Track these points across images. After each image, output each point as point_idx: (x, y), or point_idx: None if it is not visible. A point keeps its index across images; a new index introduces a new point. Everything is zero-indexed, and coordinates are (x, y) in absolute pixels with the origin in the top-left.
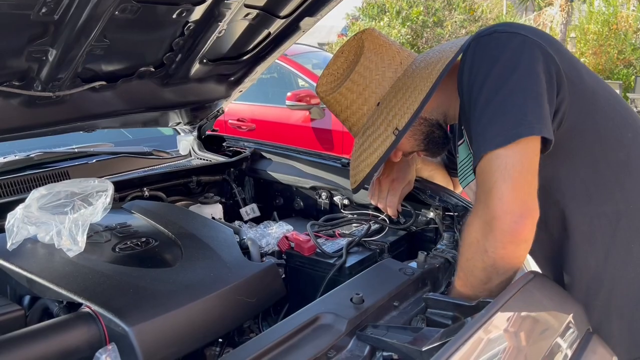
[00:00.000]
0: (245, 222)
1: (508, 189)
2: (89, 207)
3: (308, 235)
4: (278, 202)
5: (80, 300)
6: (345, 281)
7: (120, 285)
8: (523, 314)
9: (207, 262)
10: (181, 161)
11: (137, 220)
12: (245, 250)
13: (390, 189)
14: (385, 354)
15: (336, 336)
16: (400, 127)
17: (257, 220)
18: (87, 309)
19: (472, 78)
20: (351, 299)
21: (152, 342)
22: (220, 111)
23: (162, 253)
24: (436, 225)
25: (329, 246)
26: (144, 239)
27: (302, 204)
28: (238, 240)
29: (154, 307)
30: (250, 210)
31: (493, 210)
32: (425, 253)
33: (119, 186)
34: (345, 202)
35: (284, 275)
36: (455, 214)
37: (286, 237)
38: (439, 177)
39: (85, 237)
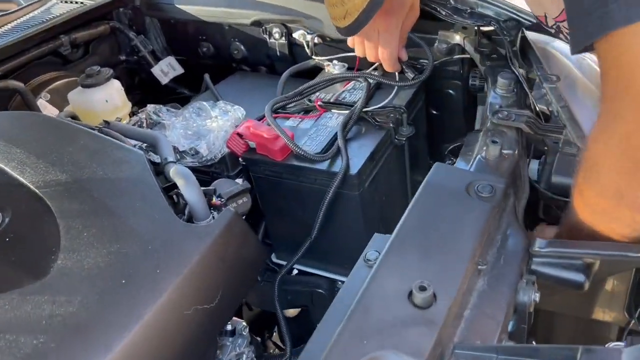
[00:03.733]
0: (169, 98)
1: None
2: None
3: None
4: (206, 51)
5: None
6: (353, 194)
7: None
8: None
9: (111, 250)
10: (38, 11)
11: None
12: (171, 187)
13: (381, 30)
14: None
15: None
16: None
17: (183, 81)
18: None
19: None
20: (410, 296)
21: None
22: None
23: (19, 246)
24: (465, 55)
25: (313, 134)
26: None
27: (244, 50)
28: (159, 162)
29: None
30: (167, 68)
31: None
32: (497, 142)
33: None
34: (317, 40)
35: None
36: (503, 32)
37: (239, 134)
38: None
39: None
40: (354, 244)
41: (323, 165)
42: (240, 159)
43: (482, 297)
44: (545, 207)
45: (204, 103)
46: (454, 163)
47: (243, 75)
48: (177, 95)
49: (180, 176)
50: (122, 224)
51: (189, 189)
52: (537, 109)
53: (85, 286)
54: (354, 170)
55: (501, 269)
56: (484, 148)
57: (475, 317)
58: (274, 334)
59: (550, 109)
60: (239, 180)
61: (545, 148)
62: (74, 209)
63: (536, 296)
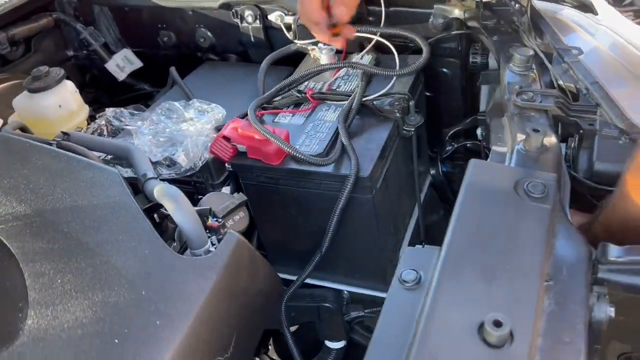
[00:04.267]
0: (128, 96)
1: None
2: None
3: (258, 120)
4: (167, 40)
5: None
6: (366, 197)
7: None
8: None
9: (94, 300)
10: None
11: None
12: (152, 208)
13: None
14: None
15: None
16: None
17: (142, 75)
18: None
19: None
20: (480, 332)
21: None
22: None
23: None
24: (465, 31)
25: (310, 131)
26: None
27: (211, 37)
28: (134, 177)
29: None
30: (123, 62)
31: None
32: (539, 131)
33: None
34: (300, 21)
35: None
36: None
37: (225, 138)
38: None
39: None
40: (365, 251)
41: (329, 168)
42: (227, 165)
43: (552, 320)
44: (574, 195)
45: (175, 103)
46: (454, 148)
47: (213, 66)
48: (137, 92)
49: (169, 198)
50: (105, 264)
51: (182, 214)
52: (563, 86)
53: (68, 352)
54: (366, 171)
55: (566, 283)
56: (522, 138)
57: (551, 347)
58: (270, 347)
59: (577, 87)
60: (226, 189)
61: (581, 131)
62: (41, 249)
63: (611, 311)
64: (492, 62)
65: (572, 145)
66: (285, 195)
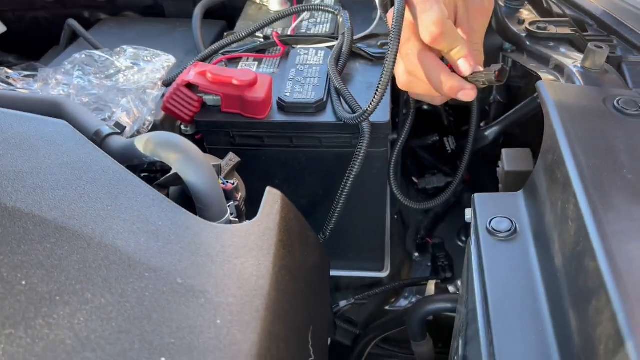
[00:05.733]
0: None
1: None
2: None
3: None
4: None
5: None
6: (381, 152)
7: None
8: None
9: (102, 300)
10: None
11: None
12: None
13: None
14: None
15: None
16: None
17: (5, 44)
18: None
19: None
20: None
21: None
22: None
23: None
24: None
25: (296, 77)
26: None
27: None
28: (96, 138)
29: None
30: None
31: None
32: (602, 47)
33: None
34: None
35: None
36: None
37: (189, 85)
38: None
39: None
40: (369, 222)
41: (331, 117)
42: (184, 127)
43: None
44: None
45: (96, 52)
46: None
47: (117, 22)
48: None
49: (174, 148)
50: (99, 247)
51: (196, 169)
52: (568, 18)
53: None
54: (384, 115)
55: None
56: (574, 59)
57: None
58: None
59: (580, 18)
60: None
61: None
62: (11, 247)
63: None
64: None
65: None
66: (268, 160)
